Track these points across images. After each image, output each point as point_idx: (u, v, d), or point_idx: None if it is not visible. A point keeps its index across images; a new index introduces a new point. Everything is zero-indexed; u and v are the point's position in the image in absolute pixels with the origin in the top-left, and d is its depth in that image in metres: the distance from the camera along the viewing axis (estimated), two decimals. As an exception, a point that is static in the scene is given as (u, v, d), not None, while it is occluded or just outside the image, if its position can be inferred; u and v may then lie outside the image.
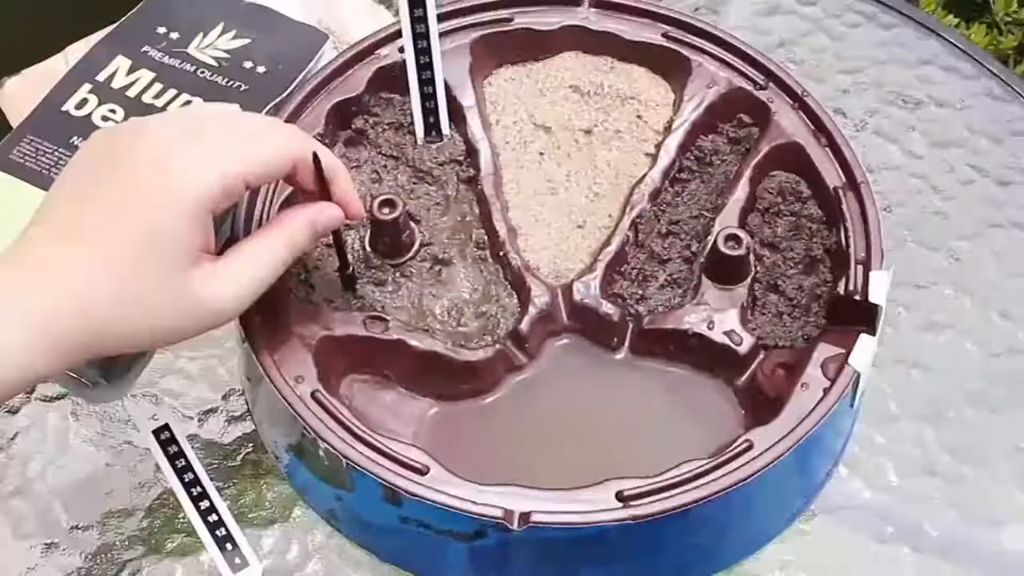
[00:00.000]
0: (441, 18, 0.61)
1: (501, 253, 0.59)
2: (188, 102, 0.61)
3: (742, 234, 0.57)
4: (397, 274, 0.58)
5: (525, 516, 0.49)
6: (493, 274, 0.59)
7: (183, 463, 0.56)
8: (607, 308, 0.57)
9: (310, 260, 0.57)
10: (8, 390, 0.44)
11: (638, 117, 0.64)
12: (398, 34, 0.62)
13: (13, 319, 0.43)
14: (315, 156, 0.50)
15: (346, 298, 0.57)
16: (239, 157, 0.48)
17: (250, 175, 0.48)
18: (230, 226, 0.56)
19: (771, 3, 0.76)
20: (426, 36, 0.60)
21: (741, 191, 0.60)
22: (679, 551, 0.54)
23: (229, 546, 0.54)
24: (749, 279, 0.58)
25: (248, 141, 0.49)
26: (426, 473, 0.50)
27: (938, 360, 0.62)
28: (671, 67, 0.64)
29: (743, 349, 0.56)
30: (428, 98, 0.61)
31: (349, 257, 0.56)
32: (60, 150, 0.59)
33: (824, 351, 0.54)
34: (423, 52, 0.60)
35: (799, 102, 0.61)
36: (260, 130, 0.51)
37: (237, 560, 0.54)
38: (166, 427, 0.57)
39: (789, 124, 0.61)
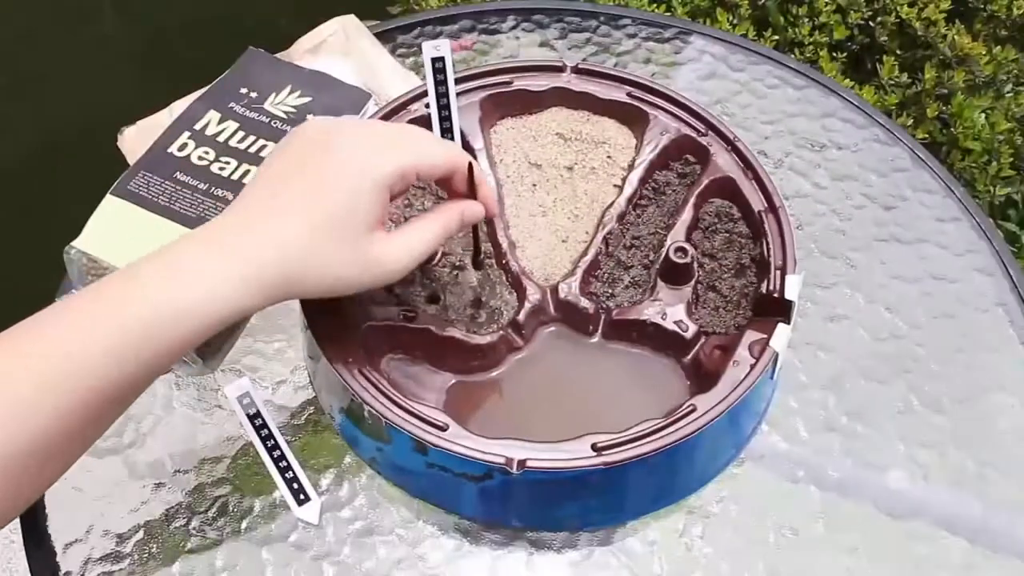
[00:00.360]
0: (458, 82, 0.61)
1: (504, 261, 0.58)
2: (264, 146, 0.61)
3: (688, 247, 0.57)
4: (424, 278, 0.58)
5: (522, 462, 0.49)
6: (498, 277, 0.58)
7: (260, 422, 0.56)
8: (584, 303, 0.57)
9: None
10: (225, 320, 0.44)
11: (608, 157, 0.63)
12: (424, 94, 0.61)
13: (234, 268, 0.44)
14: (470, 165, 0.51)
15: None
16: (413, 155, 0.48)
17: (420, 169, 0.48)
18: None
19: (710, 70, 0.76)
20: (446, 95, 0.60)
21: (687, 213, 0.60)
22: (640, 490, 0.53)
23: (295, 485, 0.55)
24: (693, 281, 0.58)
25: (421, 146, 0.50)
26: (446, 430, 0.50)
27: (838, 343, 0.62)
28: (634, 119, 0.64)
29: (688, 335, 0.56)
30: (448, 142, 0.61)
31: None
32: (166, 182, 0.58)
33: (751, 336, 0.54)
34: (444, 107, 0.60)
35: (731, 146, 0.61)
36: (431, 140, 0.52)
37: (301, 496, 0.54)
38: (247, 394, 0.57)
39: (724, 162, 0.61)
